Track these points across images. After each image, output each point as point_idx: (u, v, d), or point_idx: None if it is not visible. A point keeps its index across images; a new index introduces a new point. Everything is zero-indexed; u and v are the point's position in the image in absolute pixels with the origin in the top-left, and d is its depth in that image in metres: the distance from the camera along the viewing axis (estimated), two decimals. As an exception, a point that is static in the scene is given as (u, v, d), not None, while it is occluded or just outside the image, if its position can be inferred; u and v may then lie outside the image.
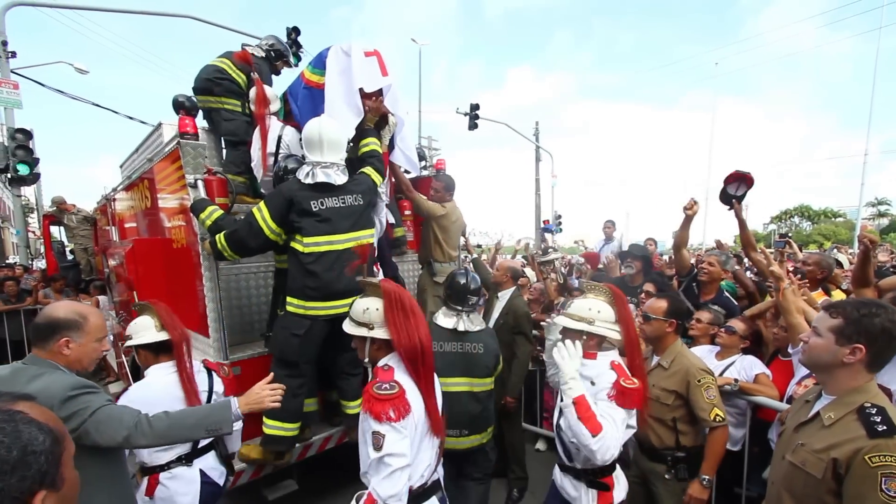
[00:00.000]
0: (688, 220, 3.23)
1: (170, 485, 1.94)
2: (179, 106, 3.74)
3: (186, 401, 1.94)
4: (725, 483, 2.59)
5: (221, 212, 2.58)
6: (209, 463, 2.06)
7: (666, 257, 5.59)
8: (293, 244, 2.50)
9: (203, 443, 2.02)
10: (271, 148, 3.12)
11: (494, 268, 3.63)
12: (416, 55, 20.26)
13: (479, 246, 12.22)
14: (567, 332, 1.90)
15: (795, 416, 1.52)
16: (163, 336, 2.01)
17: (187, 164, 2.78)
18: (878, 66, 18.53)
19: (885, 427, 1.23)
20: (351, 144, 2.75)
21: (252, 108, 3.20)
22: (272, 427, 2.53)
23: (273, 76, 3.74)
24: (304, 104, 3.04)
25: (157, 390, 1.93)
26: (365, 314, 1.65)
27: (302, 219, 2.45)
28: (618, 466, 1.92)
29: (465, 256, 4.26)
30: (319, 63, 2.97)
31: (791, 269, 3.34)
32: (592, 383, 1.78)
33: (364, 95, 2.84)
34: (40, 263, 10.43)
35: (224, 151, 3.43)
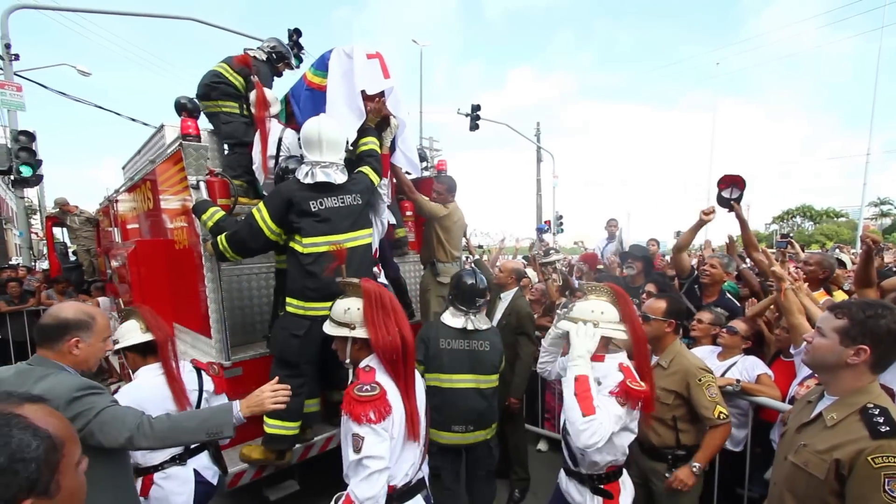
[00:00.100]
0: (700, 225, 3.19)
1: (164, 485, 1.95)
2: (181, 108, 3.77)
3: (174, 399, 1.96)
4: (727, 483, 2.59)
5: (223, 213, 2.58)
6: (202, 462, 2.10)
7: (668, 258, 5.57)
8: (292, 244, 2.50)
9: None
10: (272, 151, 3.13)
11: (498, 268, 3.63)
12: (417, 56, 20.33)
13: (480, 246, 12.23)
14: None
15: (798, 417, 1.52)
16: (147, 337, 2.04)
17: (189, 165, 2.79)
18: (879, 66, 18.53)
19: (888, 428, 1.22)
20: (350, 148, 2.75)
21: (252, 110, 3.22)
22: (273, 426, 2.53)
23: (275, 78, 3.76)
24: (306, 106, 3.04)
25: (148, 391, 1.95)
26: (346, 314, 1.65)
27: (301, 219, 2.45)
28: (625, 472, 1.90)
29: (467, 257, 4.26)
30: (321, 65, 2.98)
31: (794, 268, 3.34)
32: (599, 383, 1.76)
33: (366, 97, 2.85)
34: (43, 265, 10.47)
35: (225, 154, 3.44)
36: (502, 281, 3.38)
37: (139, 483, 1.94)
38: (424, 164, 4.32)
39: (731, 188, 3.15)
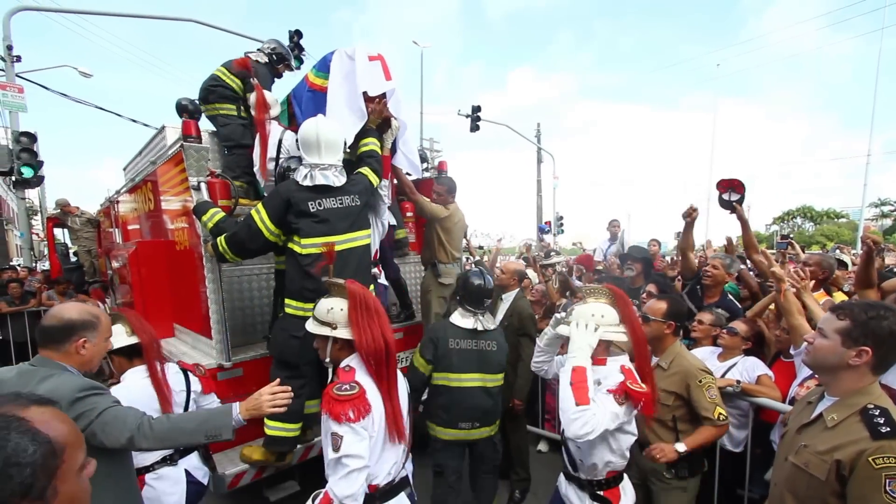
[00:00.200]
0: (689, 226, 3.26)
1: (156, 485, 1.97)
2: (183, 109, 3.78)
3: (160, 400, 1.98)
4: (728, 484, 2.58)
5: (223, 214, 2.58)
6: (193, 463, 2.13)
7: (668, 258, 5.57)
8: (291, 245, 2.50)
9: None
10: (272, 153, 3.14)
11: (499, 269, 3.63)
12: (418, 57, 20.35)
13: (480, 247, 12.24)
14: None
15: (798, 418, 1.52)
16: (133, 340, 2.07)
17: (190, 166, 2.80)
18: (880, 67, 18.53)
19: (888, 428, 1.22)
20: (349, 151, 2.76)
21: (252, 112, 3.23)
22: (273, 428, 2.53)
23: (275, 79, 3.77)
24: (308, 107, 3.05)
25: (136, 392, 1.96)
26: (329, 314, 1.66)
27: (299, 220, 2.45)
28: (625, 477, 1.89)
29: (467, 258, 4.26)
30: (323, 66, 2.99)
31: (793, 269, 3.34)
32: (599, 384, 1.76)
33: (367, 99, 2.85)
34: (44, 265, 10.48)
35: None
36: (504, 282, 3.38)
37: None
38: (425, 164, 4.32)
39: (730, 192, 3.17)
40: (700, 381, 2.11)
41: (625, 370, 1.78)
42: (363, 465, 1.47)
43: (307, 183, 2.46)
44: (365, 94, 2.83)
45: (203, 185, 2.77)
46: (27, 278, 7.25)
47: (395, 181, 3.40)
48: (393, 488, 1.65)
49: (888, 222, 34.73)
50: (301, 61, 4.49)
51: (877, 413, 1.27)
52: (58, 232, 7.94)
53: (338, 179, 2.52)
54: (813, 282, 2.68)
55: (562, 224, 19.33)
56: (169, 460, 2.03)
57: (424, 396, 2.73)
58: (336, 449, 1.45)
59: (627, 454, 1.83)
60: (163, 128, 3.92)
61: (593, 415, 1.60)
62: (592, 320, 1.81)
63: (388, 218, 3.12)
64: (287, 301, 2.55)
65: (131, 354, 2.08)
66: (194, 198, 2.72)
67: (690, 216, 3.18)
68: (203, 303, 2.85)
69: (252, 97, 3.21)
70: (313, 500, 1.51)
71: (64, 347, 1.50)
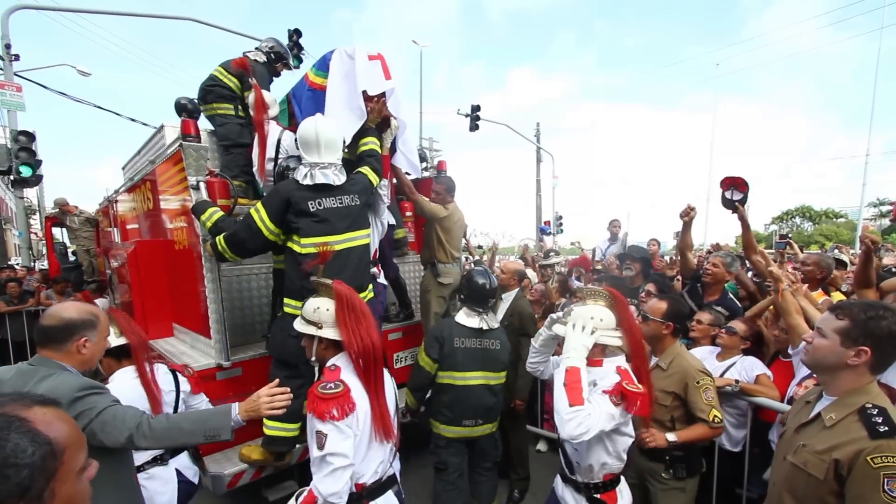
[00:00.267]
0: (687, 226, 3.26)
1: (148, 485, 1.98)
2: (182, 108, 3.77)
3: (149, 400, 2.00)
4: (726, 484, 2.59)
5: (222, 213, 2.58)
6: (183, 462, 2.16)
7: (667, 258, 5.57)
8: (290, 244, 2.50)
9: None
10: (270, 153, 3.13)
11: (500, 269, 3.64)
12: (418, 56, 20.33)
13: (479, 247, 12.25)
14: None
15: (796, 417, 1.52)
16: (121, 341, 2.08)
17: (189, 165, 2.79)
18: (879, 67, 18.57)
19: (886, 428, 1.23)
20: (347, 150, 2.76)
21: (251, 112, 3.23)
22: (272, 428, 2.53)
23: (273, 78, 3.77)
24: (308, 106, 3.05)
25: (126, 392, 1.95)
26: (315, 313, 1.68)
27: (299, 219, 2.44)
28: (622, 480, 1.89)
29: (466, 257, 4.27)
30: (323, 65, 2.98)
31: (791, 269, 3.34)
32: (595, 385, 1.75)
33: (367, 98, 2.85)
34: (42, 265, 10.47)
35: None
36: (504, 282, 3.38)
37: None
38: (424, 164, 4.32)
39: (733, 190, 3.16)
40: (698, 383, 2.10)
41: (621, 371, 1.77)
42: (347, 463, 1.48)
43: (307, 182, 2.46)
44: (364, 93, 2.83)
45: (202, 185, 2.76)
46: (25, 278, 7.23)
47: (395, 181, 3.40)
48: (380, 486, 1.66)
49: (887, 222, 34.77)
50: (300, 60, 4.49)
51: (875, 412, 1.27)
52: (56, 231, 7.93)
53: (338, 178, 2.52)
54: (806, 285, 2.68)
55: (561, 224, 19.34)
56: (159, 460, 2.06)
57: (427, 395, 2.74)
58: (320, 447, 1.47)
59: (624, 456, 1.82)
60: (162, 127, 3.91)
61: (587, 415, 1.59)
62: (591, 323, 1.80)
63: (388, 217, 3.11)
64: (286, 300, 2.54)
65: (119, 355, 2.10)
66: (193, 197, 2.71)
67: (688, 215, 3.17)
68: (202, 302, 2.85)
69: (250, 97, 3.21)
70: (296, 499, 1.52)
71: (65, 347, 1.50)
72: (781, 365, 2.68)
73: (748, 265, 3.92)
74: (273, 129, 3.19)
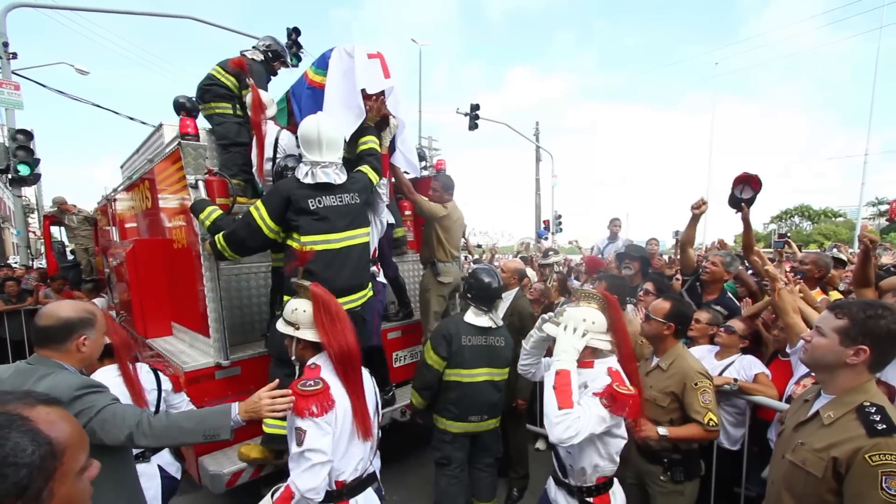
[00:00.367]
0: (695, 220, 3.23)
1: None
2: (180, 107, 3.76)
3: (132, 399, 2.02)
4: (725, 482, 2.59)
5: (221, 212, 2.58)
6: (165, 458, 2.22)
7: (666, 257, 5.58)
8: (290, 242, 2.50)
9: None
10: (268, 153, 3.13)
11: (500, 268, 3.64)
12: (417, 56, 20.29)
13: (479, 246, 12.25)
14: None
15: (795, 416, 1.53)
16: (104, 341, 2.09)
17: (188, 164, 2.79)
18: (878, 66, 18.57)
19: (884, 426, 1.23)
20: (346, 149, 2.75)
21: (248, 112, 3.23)
22: (272, 426, 2.53)
23: (270, 77, 3.76)
24: (307, 105, 3.05)
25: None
26: (293, 314, 1.71)
27: (299, 217, 2.45)
28: (615, 483, 1.87)
29: (466, 256, 4.27)
30: (323, 64, 2.98)
31: (789, 268, 3.35)
32: (585, 386, 1.74)
33: (366, 97, 2.85)
34: (41, 263, 10.44)
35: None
36: (505, 280, 3.38)
37: None
38: (423, 163, 4.32)
39: (744, 186, 3.13)
40: (696, 384, 2.08)
41: (612, 372, 1.76)
42: (326, 459, 1.50)
43: (308, 181, 2.46)
44: (363, 91, 2.83)
45: (201, 183, 2.76)
46: (24, 276, 7.21)
47: (394, 180, 3.39)
48: (360, 483, 1.69)
49: (885, 221, 34.81)
50: (299, 59, 4.49)
51: (873, 410, 1.27)
52: (55, 230, 7.91)
53: (338, 177, 2.52)
54: (798, 287, 2.68)
55: (560, 223, 19.35)
56: (142, 457, 2.09)
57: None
58: (299, 443, 1.49)
59: (617, 458, 1.81)
60: (160, 126, 3.89)
61: (577, 418, 1.58)
62: (583, 325, 1.79)
63: (387, 216, 3.11)
64: (285, 299, 2.54)
65: (101, 355, 2.11)
66: (192, 196, 2.71)
67: (699, 209, 3.13)
68: (201, 301, 2.84)
69: (248, 97, 3.21)
70: (272, 496, 1.53)
71: (65, 346, 1.49)
72: (780, 364, 2.68)
73: (748, 265, 3.93)
74: (271, 129, 3.18)
